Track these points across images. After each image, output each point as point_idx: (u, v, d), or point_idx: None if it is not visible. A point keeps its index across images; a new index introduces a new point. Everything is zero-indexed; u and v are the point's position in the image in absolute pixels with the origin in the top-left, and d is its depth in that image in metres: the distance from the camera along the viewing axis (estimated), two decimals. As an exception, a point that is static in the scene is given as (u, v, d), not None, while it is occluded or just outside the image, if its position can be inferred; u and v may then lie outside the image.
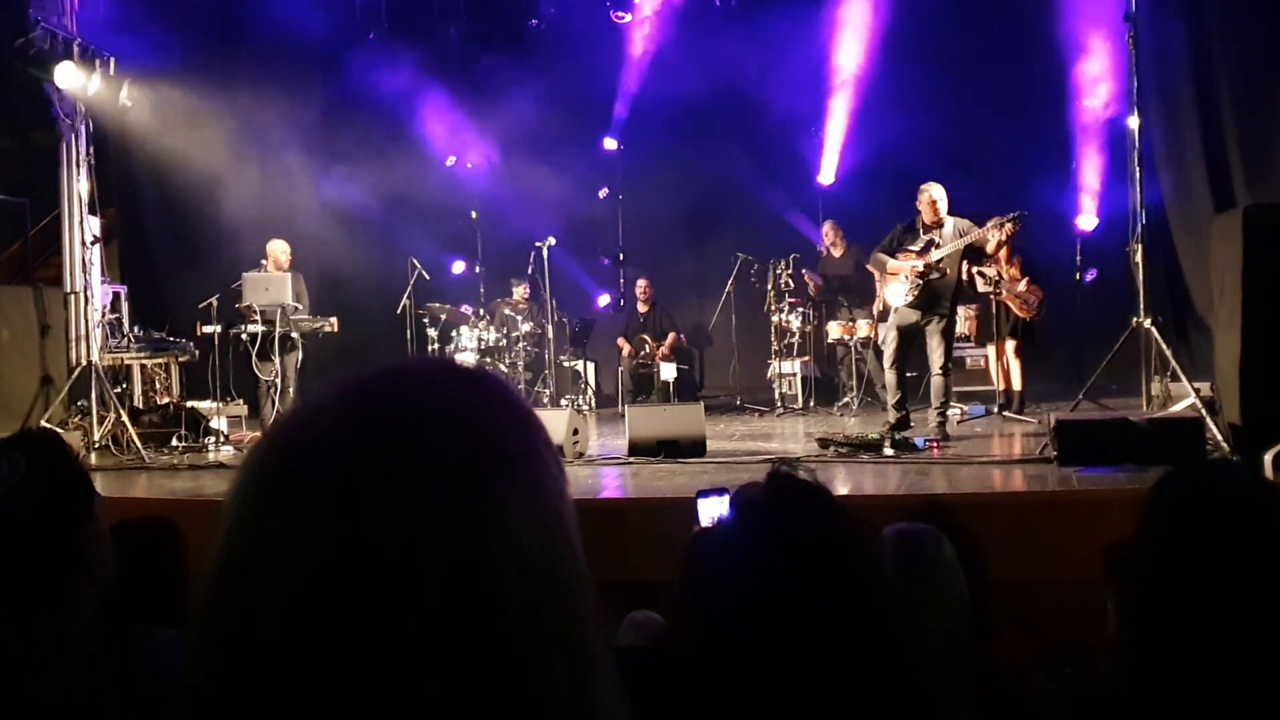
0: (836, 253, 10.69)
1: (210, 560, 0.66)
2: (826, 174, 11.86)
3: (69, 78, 8.07)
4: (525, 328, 10.92)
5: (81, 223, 8.64)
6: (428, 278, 11.21)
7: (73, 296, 8.91)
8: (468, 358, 10.90)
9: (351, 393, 0.69)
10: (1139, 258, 6.92)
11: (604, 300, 12.94)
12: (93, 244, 8.65)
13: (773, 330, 10.58)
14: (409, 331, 11.35)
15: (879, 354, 8.74)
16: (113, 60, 8.64)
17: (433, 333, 11.30)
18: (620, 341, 11.76)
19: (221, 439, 8.54)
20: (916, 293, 7.27)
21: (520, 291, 11.57)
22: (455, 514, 0.64)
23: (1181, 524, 1.59)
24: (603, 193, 12.28)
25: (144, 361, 9.41)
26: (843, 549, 1.42)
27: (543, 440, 0.72)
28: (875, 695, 1.52)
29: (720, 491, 2.87)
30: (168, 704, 0.75)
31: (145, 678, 1.31)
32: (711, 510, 2.74)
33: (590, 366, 11.66)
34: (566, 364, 11.27)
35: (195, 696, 0.65)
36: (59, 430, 7.62)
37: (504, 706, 0.63)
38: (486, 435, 0.68)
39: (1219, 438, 5.78)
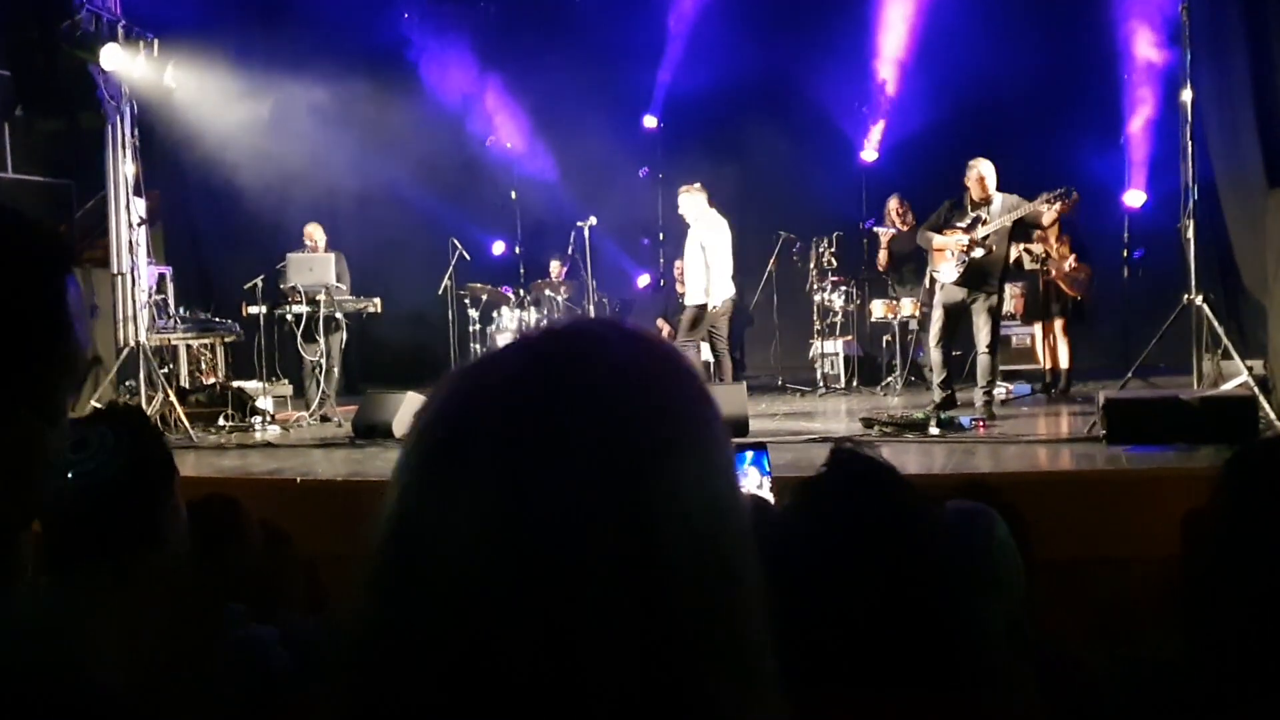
0: (905, 228, 10.13)
1: (382, 520, 0.66)
2: (870, 150, 11.74)
3: (114, 60, 8.14)
4: (562, 297, 10.95)
5: (128, 205, 8.73)
6: (468, 258, 11.25)
7: (120, 278, 9.01)
8: (508, 338, 10.93)
9: (526, 354, 0.68)
10: (1190, 234, 6.80)
11: (644, 280, 12.92)
12: (139, 225, 8.74)
13: (815, 309, 10.51)
14: (450, 312, 11.41)
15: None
16: (156, 42, 8.71)
17: (473, 313, 11.34)
18: (660, 322, 11.73)
19: (267, 419, 8.62)
20: (963, 269, 7.20)
21: (557, 268, 11.59)
22: (625, 484, 0.62)
23: (1255, 501, 1.55)
24: (643, 172, 12.24)
25: (190, 342, 9.52)
26: (908, 526, 1.40)
27: (714, 413, 0.70)
28: (938, 671, 1.50)
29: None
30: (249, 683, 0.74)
31: (229, 655, 1.32)
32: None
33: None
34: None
35: (361, 660, 0.65)
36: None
37: (664, 682, 0.62)
38: (661, 405, 0.67)
39: (1272, 416, 5.67)
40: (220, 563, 1.96)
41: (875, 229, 10.49)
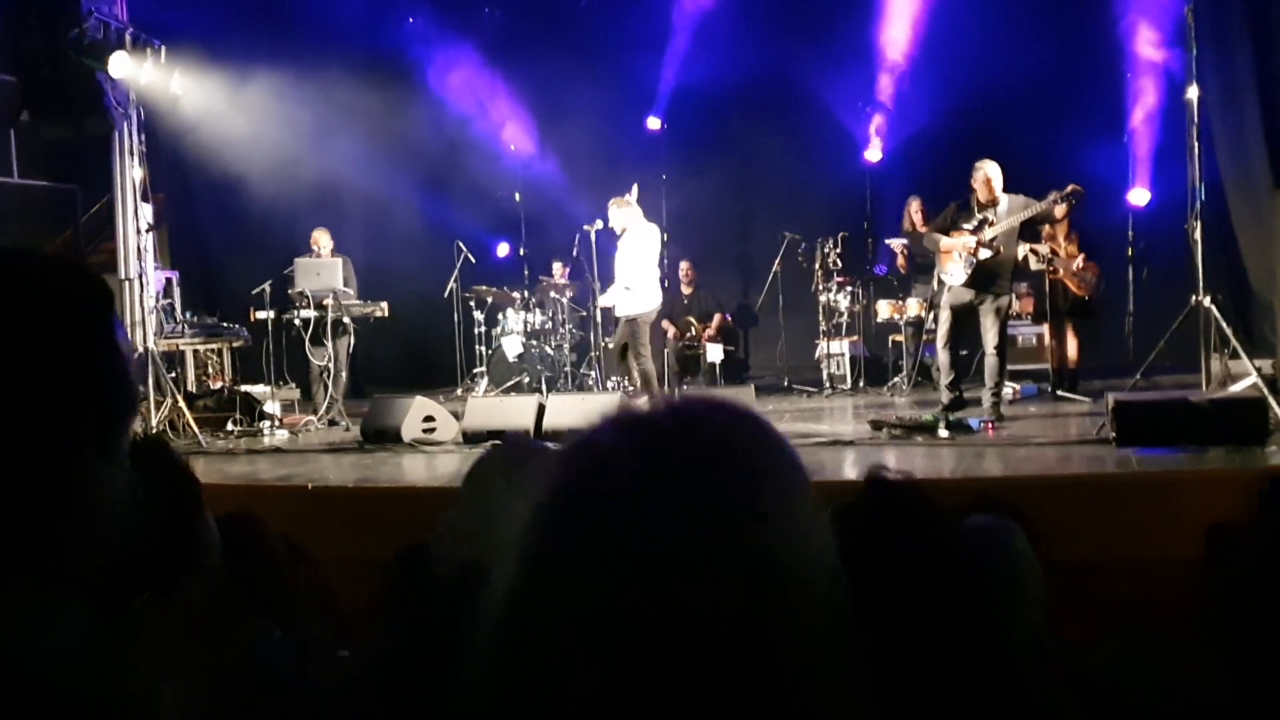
0: (925, 229, 10.20)
1: (507, 592, 0.72)
2: (874, 150, 11.75)
3: (122, 67, 8.15)
4: (566, 298, 10.96)
5: (135, 210, 8.74)
6: (474, 261, 11.28)
7: (127, 283, 9.02)
8: (514, 340, 10.96)
9: (638, 433, 0.74)
10: (1198, 235, 6.80)
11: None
12: (147, 232, 8.75)
13: (821, 310, 10.51)
14: (455, 314, 11.43)
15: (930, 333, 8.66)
16: (163, 49, 8.72)
17: (479, 315, 11.36)
18: (665, 324, 11.73)
19: (276, 423, 8.64)
20: (971, 271, 7.20)
21: (560, 270, 11.59)
22: (735, 545, 0.70)
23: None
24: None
25: (198, 347, 9.53)
26: (941, 558, 1.41)
27: (803, 476, 0.78)
28: (968, 689, 1.51)
29: None
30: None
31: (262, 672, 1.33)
32: None
33: (636, 348, 11.63)
34: (612, 346, 11.24)
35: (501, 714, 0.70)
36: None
37: (780, 707, 0.69)
38: (760, 474, 0.74)
39: (1282, 417, 5.67)
40: (249, 583, 1.96)
41: (888, 241, 10.50)
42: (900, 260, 10.39)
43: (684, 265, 11.98)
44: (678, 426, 0.74)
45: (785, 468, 0.76)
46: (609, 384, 10.42)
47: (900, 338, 10.23)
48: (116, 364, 0.91)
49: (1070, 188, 7.27)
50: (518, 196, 11.96)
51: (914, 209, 10.12)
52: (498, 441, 6.55)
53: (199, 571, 1.44)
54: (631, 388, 9.07)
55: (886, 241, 10.59)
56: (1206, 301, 6.54)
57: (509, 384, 10.91)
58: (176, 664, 1.24)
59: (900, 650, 1.35)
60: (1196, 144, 6.86)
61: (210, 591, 1.45)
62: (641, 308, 8.76)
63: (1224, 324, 6.45)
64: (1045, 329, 9.19)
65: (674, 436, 0.73)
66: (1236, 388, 6.29)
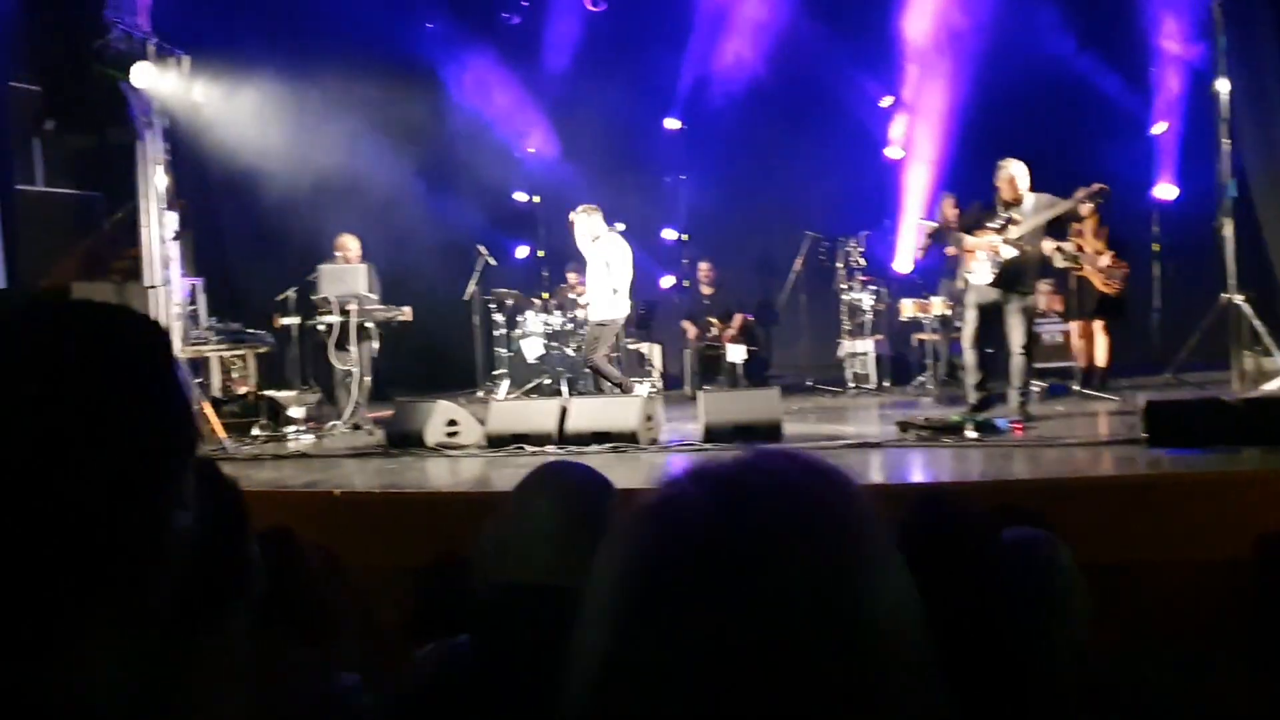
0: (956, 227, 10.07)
1: (587, 660, 0.71)
2: (896, 148, 11.70)
3: (145, 77, 8.21)
4: (585, 301, 10.96)
5: (160, 218, 8.80)
6: (495, 264, 11.29)
7: (152, 291, 9.07)
8: (534, 342, 10.96)
9: (713, 493, 0.74)
10: (1226, 231, 6.74)
11: (668, 282, 12.88)
12: (175, 239, 8.81)
13: (844, 308, 10.46)
14: (476, 317, 11.45)
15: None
16: (186, 59, 8.78)
17: (499, 318, 11.38)
18: (685, 324, 11.71)
19: (301, 428, 8.67)
20: (996, 271, 7.15)
21: (574, 278, 11.58)
22: (822, 602, 0.69)
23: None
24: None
25: (222, 353, 9.57)
26: (985, 576, 1.40)
27: (881, 529, 0.77)
28: (1012, 705, 1.50)
29: None
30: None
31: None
32: None
33: (657, 349, 11.62)
34: (631, 347, 11.23)
35: None
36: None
37: None
38: (841, 530, 0.73)
39: (1315, 416, 5.60)
40: (287, 604, 1.96)
41: (920, 222, 10.40)
42: (918, 255, 10.27)
43: (704, 265, 11.94)
44: (754, 486, 0.74)
45: (863, 522, 0.76)
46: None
47: (924, 336, 10.16)
48: (180, 405, 0.91)
49: (1095, 186, 7.21)
50: (538, 198, 11.98)
51: (947, 206, 10.02)
52: (519, 445, 6.44)
53: (243, 595, 1.43)
54: (613, 388, 8.96)
55: (919, 221, 10.48)
56: (1237, 299, 6.49)
57: (530, 386, 10.92)
58: (229, 691, 1.23)
59: (949, 667, 1.33)
60: (1224, 139, 6.80)
61: (253, 614, 1.44)
62: (613, 314, 8.79)
63: (1256, 322, 6.40)
64: (1073, 326, 9.11)
65: (749, 497, 0.73)
66: (1269, 386, 6.22)
